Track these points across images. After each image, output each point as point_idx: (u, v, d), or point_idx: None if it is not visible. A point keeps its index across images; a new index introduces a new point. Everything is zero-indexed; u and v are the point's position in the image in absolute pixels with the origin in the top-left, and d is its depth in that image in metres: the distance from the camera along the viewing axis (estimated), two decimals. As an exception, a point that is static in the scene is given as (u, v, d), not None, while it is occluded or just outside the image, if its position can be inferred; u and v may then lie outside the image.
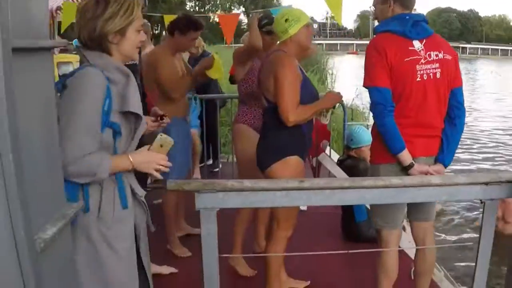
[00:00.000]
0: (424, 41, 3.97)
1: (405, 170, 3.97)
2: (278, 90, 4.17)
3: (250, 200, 3.31)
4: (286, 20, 4.33)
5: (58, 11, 12.71)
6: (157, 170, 2.97)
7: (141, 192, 3.08)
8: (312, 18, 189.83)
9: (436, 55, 3.96)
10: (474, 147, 18.81)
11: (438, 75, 3.94)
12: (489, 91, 41.88)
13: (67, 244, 2.23)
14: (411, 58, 3.89)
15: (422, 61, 3.91)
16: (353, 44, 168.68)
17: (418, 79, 3.90)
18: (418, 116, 3.96)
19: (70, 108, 2.63)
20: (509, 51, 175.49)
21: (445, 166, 4.11)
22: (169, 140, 2.99)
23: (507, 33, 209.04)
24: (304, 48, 4.48)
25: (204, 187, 3.11)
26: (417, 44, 3.94)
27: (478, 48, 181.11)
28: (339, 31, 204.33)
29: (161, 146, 2.96)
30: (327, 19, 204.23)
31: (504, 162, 16.48)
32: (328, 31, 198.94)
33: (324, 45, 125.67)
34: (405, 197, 3.51)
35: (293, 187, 3.27)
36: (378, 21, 4.24)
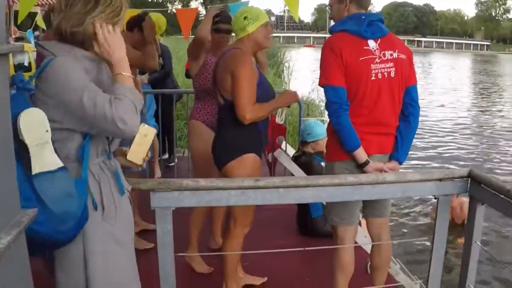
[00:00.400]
0: (379, 40, 4.01)
1: (360, 167, 4.00)
2: (235, 88, 4.15)
3: (205, 199, 3.32)
4: (245, 18, 4.32)
5: (15, 0, 12.49)
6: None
7: (127, 185, 3.02)
8: (269, 11, 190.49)
9: (391, 55, 4.00)
10: (429, 140, 19.02)
11: (392, 74, 3.98)
12: (443, 83, 42.43)
13: (22, 252, 2.18)
14: (366, 57, 3.92)
15: (377, 60, 3.94)
16: (310, 37, 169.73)
17: (372, 78, 3.93)
18: (372, 114, 3.99)
19: (75, 98, 2.51)
20: (464, 44, 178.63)
21: (400, 163, 4.16)
22: (152, 129, 2.91)
23: (462, 27, 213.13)
24: (261, 47, 4.49)
25: (159, 186, 3.11)
26: (372, 44, 3.97)
27: (433, 41, 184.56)
28: (296, 24, 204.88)
29: (145, 136, 2.89)
30: (284, 12, 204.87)
31: (458, 156, 16.71)
32: (285, 24, 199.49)
33: (281, 38, 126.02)
34: (360, 195, 3.56)
35: (248, 186, 3.28)
36: (334, 21, 4.25)
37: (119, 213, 2.82)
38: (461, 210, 9.38)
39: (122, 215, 2.86)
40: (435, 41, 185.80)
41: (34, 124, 2.41)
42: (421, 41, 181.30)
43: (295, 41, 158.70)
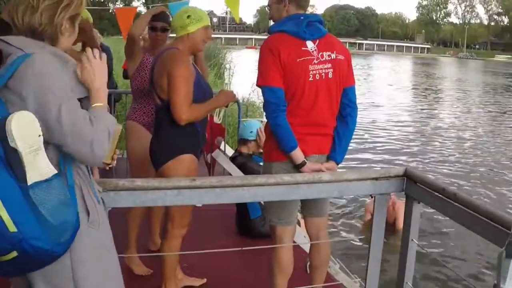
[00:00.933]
0: (318, 41, 4.02)
1: (297, 168, 4.00)
2: (172, 89, 4.13)
3: (141, 199, 3.28)
4: (188, 17, 4.30)
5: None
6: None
7: (98, 187, 2.91)
8: (211, 12, 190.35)
9: (329, 55, 4.02)
10: (369, 140, 19.28)
11: (330, 75, 4.00)
12: (383, 85, 43.12)
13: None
14: (304, 58, 3.93)
15: (315, 61, 3.96)
16: (252, 38, 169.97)
17: (310, 79, 3.94)
18: (310, 115, 4.00)
19: (55, 106, 2.35)
20: (404, 47, 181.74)
21: (337, 163, 4.18)
22: (118, 126, 2.76)
23: (403, 30, 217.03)
24: (196, 49, 4.49)
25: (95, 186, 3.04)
26: (310, 45, 3.98)
27: (374, 44, 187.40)
28: (238, 25, 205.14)
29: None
30: (226, 13, 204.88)
31: (397, 155, 16.98)
32: (227, 25, 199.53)
33: (223, 39, 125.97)
34: (297, 194, 3.57)
35: (185, 185, 3.27)
36: (273, 21, 4.25)
37: (100, 217, 2.71)
38: (393, 209, 9.55)
39: (103, 219, 2.75)
40: (376, 44, 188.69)
41: (26, 129, 2.22)
42: (362, 43, 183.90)
43: (237, 42, 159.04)
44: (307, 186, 3.47)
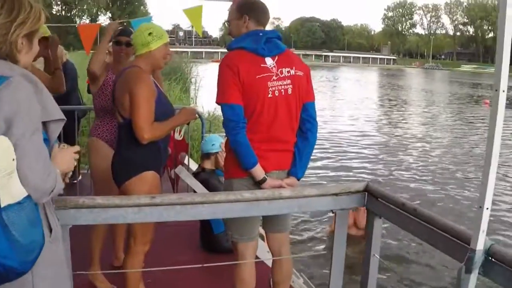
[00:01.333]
0: (277, 58, 4.08)
1: (258, 184, 4.04)
2: (133, 108, 4.15)
3: (102, 217, 3.30)
4: (149, 34, 4.32)
5: None
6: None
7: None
8: (177, 26, 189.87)
9: (288, 72, 4.08)
10: (332, 153, 19.35)
11: (289, 91, 4.06)
12: (349, 97, 43.33)
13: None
14: (263, 75, 3.98)
15: (274, 77, 4.01)
16: (217, 52, 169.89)
17: (270, 95, 3.99)
18: (270, 131, 4.05)
19: (18, 133, 2.36)
20: (370, 59, 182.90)
21: (298, 179, 4.22)
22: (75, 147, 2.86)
23: (369, 41, 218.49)
24: (157, 66, 4.53)
25: (56, 204, 3.05)
26: (269, 61, 4.03)
27: (340, 56, 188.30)
28: (204, 39, 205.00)
29: None
30: (192, 27, 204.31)
31: (361, 167, 17.08)
32: (193, 39, 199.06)
33: (189, 53, 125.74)
34: (257, 211, 3.61)
35: (145, 203, 3.29)
36: (232, 37, 4.30)
37: (59, 234, 2.75)
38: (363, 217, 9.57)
39: (61, 236, 2.79)
40: (342, 56, 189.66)
41: (0, 153, 2.28)
42: (328, 56, 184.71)
43: (203, 56, 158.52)
44: (268, 202, 3.50)
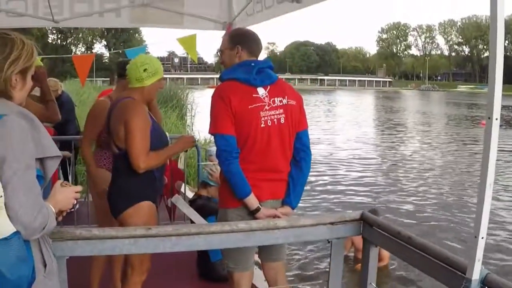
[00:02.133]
0: (269, 87, 4.12)
1: (253, 214, 4.06)
2: (129, 138, 4.20)
3: (99, 248, 3.31)
4: (144, 70, 4.39)
5: None
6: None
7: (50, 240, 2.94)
8: (173, 53, 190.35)
9: (280, 101, 4.12)
10: (329, 177, 19.30)
11: (282, 120, 4.10)
12: (345, 120, 43.34)
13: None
14: (255, 105, 4.02)
15: (266, 107, 4.05)
16: (213, 78, 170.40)
17: (262, 125, 4.03)
18: (263, 161, 4.08)
19: (10, 170, 2.42)
20: (366, 81, 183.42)
21: (293, 208, 4.25)
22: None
23: (364, 64, 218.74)
24: (149, 99, 4.61)
25: (53, 235, 3.05)
26: (261, 91, 4.08)
27: (336, 79, 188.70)
28: (199, 65, 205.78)
29: None
30: (187, 54, 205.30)
31: (359, 191, 17.03)
32: (188, 65, 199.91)
33: (185, 79, 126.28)
34: (252, 241, 3.60)
35: (141, 234, 3.29)
36: (224, 66, 4.34)
37: (54, 267, 2.76)
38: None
39: (56, 270, 2.80)
40: (338, 79, 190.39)
41: None
42: (324, 79, 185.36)
43: (199, 82, 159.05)
44: (263, 232, 3.50)
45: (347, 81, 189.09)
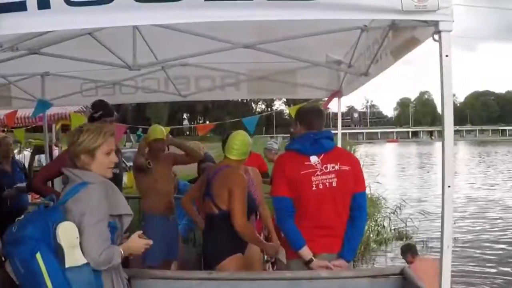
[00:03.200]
0: (322, 155, 4.68)
1: (307, 264, 4.54)
2: (233, 202, 5.05)
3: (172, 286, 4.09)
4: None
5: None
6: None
7: (125, 275, 3.85)
8: (352, 108, 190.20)
9: (333, 167, 4.66)
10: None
11: (334, 184, 4.63)
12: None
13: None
14: (306, 171, 4.62)
15: (318, 172, 4.62)
16: (393, 132, 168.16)
17: (313, 188, 4.60)
18: (317, 219, 4.62)
19: (86, 221, 3.37)
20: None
21: (347, 261, 4.67)
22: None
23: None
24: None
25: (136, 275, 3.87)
26: (314, 159, 4.65)
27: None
28: (379, 119, 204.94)
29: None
30: (367, 107, 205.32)
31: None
32: (368, 120, 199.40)
33: (364, 134, 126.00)
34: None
35: (203, 277, 4.01)
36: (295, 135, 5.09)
37: None
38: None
39: None
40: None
41: (67, 232, 3.28)
42: (505, 130, 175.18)
43: (378, 136, 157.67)
44: (308, 282, 4.07)
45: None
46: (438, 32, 2.93)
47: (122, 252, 3.52)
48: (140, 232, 3.76)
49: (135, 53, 5.22)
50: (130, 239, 3.69)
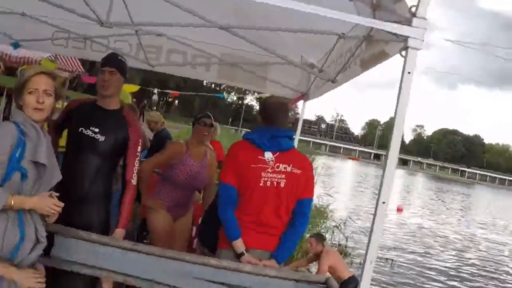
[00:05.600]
0: (278, 153, 4.64)
1: (238, 257, 4.50)
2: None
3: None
4: None
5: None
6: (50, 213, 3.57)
7: (43, 232, 3.61)
8: (321, 118, 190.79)
9: (285, 168, 4.61)
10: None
11: (282, 185, 4.58)
12: (478, 220, 38.20)
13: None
14: (258, 165, 4.57)
15: (269, 170, 4.57)
16: (356, 150, 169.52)
17: (261, 184, 4.55)
18: (257, 215, 4.58)
19: None
20: (507, 181, 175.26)
21: (278, 263, 4.61)
22: None
23: (508, 163, 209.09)
24: None
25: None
26: (268, 155, 4.61)
27: (477, 173, 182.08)
28: (345, 135, 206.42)
29: None
30: (336, 121, 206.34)
31: None
32: (334, 133, 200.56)
33: (327, 146, 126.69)
34: (220, 278, 4.09)
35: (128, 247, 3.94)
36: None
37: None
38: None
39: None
40: (479, 173, 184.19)
41: None
42: (465, 171, 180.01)
43: (341, 151, 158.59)
44: (231, 272, 4.05)
45: (488, 177, 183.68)
46: (406, 48, 2.90)
47: (12, 200, 3.33)
48: (55, 193, 3.59)
49: (110, 10, 5.10)
50: (40, 195, 3.51)
